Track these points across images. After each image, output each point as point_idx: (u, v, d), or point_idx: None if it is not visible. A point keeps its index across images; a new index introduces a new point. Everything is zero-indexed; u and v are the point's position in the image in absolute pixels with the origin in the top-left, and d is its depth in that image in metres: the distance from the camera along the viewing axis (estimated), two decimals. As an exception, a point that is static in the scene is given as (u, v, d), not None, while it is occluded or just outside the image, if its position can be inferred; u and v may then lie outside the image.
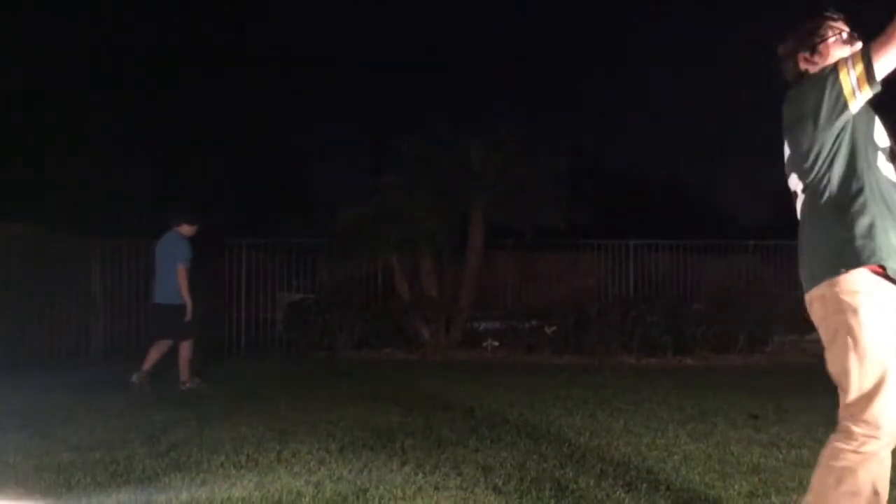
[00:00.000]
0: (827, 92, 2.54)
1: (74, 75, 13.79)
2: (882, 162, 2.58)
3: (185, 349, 7.88)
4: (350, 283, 12.40)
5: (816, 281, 2.59)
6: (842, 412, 2.52)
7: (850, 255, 2.50)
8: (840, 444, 2.49)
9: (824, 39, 2.68)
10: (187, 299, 7.82)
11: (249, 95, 15.62)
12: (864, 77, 2.48)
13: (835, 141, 2.57)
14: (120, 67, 14.59)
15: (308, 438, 5.12)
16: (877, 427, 2.43)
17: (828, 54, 2.67)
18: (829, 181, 2.59)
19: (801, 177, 2.68)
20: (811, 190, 2.65)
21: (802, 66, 2.71)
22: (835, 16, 2.71)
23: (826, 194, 2.59)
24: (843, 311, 2.49)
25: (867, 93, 2.51)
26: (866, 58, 2.48)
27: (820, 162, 2.60)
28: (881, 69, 2.47)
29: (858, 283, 2.48)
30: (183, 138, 14.55)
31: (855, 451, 2.45)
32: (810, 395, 6.33)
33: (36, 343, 10.41)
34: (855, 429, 2.46)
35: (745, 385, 7.95)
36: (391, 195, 11.76)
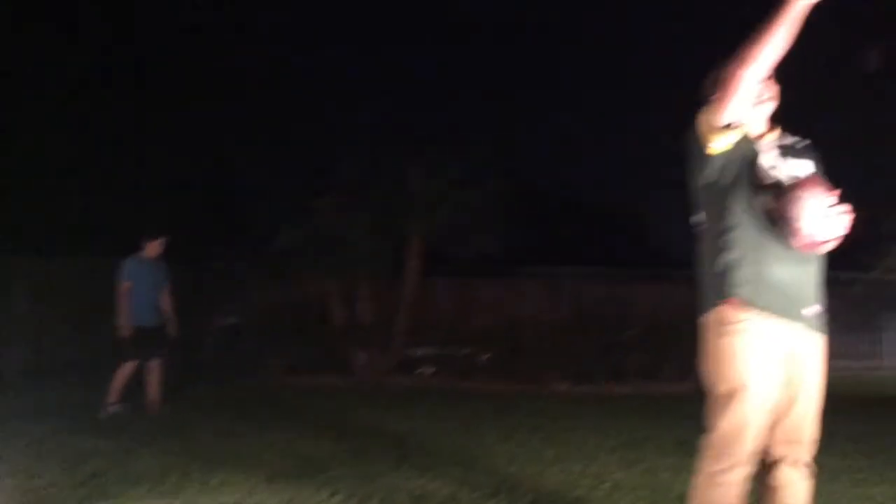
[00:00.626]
0: (695, 134, 2.74)
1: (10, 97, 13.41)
2: (758, 200, 2.67)
3: (121, 371, 7.67)
4: (284, 308, 12.21)
5: (704, 312, 2.79)
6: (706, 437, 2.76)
7: (717, 288, 2.69)
8: (702, 466, 2.74)
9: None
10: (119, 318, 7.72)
11: (183, 113, 15.36)
12: (707, 127, 2.69)
13: (709, 177, 2.74)
14: (45, 88, 14.23)
15: (235, 467, 5.00)
16: (723, 453, 2.69)
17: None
18: (705, 217, 2.79)
19: (695, 211, 2.89)
20: (697, 225, 2.86)
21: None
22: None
23: (704, 230, 2.80)
24: (715, 340, 2.71)
25: (717, 139, 2.67)
26: (711, 109, 2.68)
27: (698, 199, 2.81)
28: (721, 119, 2.64)
29: (726, 316, 2.66)
30: (114, 158, 14.21)
31: (708, 474, 2.72)
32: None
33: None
34: (710, 452, 2.74)
35: (675, 412, 8.06)
36: (328, 218, 11.66)
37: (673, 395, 10.18)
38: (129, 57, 15.39)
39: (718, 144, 2.68)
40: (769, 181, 2.68)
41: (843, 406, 8.44)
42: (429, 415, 7.64)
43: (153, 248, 7.94)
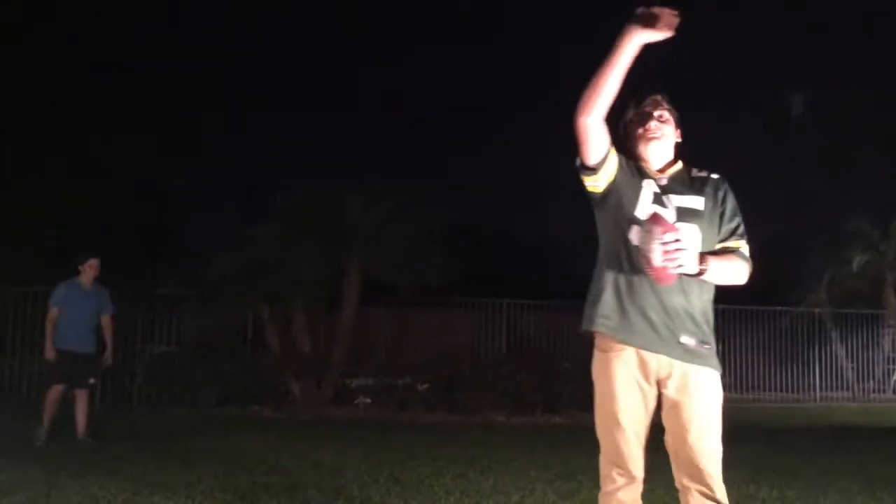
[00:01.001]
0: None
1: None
2: (634, 233, 2.74)
3: (48, 396, 7.44)
4: (217, 336, 11.95)
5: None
6: None
7: (588, 317, 2.85)
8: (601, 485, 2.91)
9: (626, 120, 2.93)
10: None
11: (119, 138, 15.07)
12: (578, 167, 2.78)
13: (596, 211, 2.87)
14: None
15: (165, 501, 4.85)
16: (604, 483, 2.92)
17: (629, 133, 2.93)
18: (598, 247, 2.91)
19: None
20: None
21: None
22: (648, 98, 2.90)
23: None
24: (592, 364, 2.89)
25: (587, 179, 2.79)
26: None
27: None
28: (580, 159, 2.75)
29: (596, 342, 2.86)
30: (44, 180, 13.84)
31: (603, 494, 2.90)
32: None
33: None
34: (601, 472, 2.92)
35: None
36: (264, 246, 11.50)
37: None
38: (60, 76, 15.05)
39: (589, 184, 2.79)
40: (642, 216, 2.75)
41: (773, 437, 8.66)
42: (365, 446, 7.54)
43: (86, 271, 7.73)
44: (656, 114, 2.85)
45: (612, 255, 2.78)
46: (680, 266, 2.58)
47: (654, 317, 2.70)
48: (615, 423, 2.78)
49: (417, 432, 9.04)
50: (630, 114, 2.90)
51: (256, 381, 11.26)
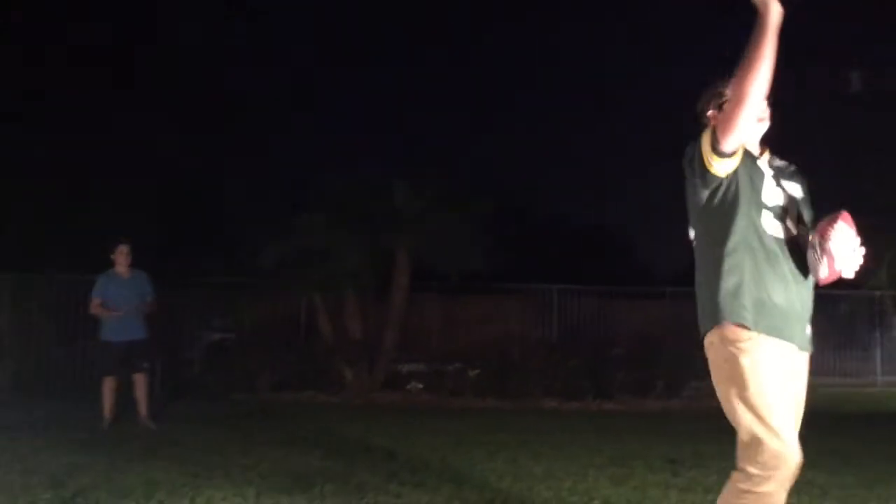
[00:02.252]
0: (695, 151, 2.71)
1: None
2: (768, 221, 2.68)
3: (104, 386, 7.64)
4: (272, 323, 12.16)
5: (705, 329, 2.75)
6: (739, 452, 2.63)
7: (721, 311, 2.65)
8: (739, 485, 2.60)
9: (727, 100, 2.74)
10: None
11: (169, 131, 15.35)
12: (709, 150, 2.65)
13: (710, 198, 2.72)
14: (31, 99, 14.18)
15: (224, 483, 4.97)
16: (768, 468, 2.54)
17: None
18: (707, 235, 2.76)
19: (692, 226, 2.87)
20: (696, 241, 2.85)
21: (711, 122, 2.78)
22: None
23: (705, 248, 2.77)
24: (727, 359, 2.64)
25: (720, 162, 2.65)
26: (713, 132, 2.64)
27: (698, 215, 2.79)
28: (726, 144, 2.60)
29: (736, 335, 2.62)
30: (99, 172, 14.16)
31: (750, 491, 2.56)
32: (727, 440, 6.42)
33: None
34: (750, 469, 2.57)
35: (663, 429, 8.08)
36: (315, 234, 11.64)
37: (661, 412, 10.20)
38: (113, 71, 15.33)
39: (722, 167, 2.66)
40: (774, 203, 2.69)
41: (833, 423, 8.49)
42: (417, 431, 7.62)
43: (118, 259, 7.82)
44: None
45: (742, 244, 2.65)
46: (852, 266, 2.61)
47: (787, 308, 2.65)
48: (778, 413, 2.58)
49: (468, 418, 9.09)
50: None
51: (310, 367, 11.42)
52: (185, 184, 16.07)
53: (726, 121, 2.58)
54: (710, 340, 2.71)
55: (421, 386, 11.51)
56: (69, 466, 5.46)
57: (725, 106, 2.63)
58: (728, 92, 2.64)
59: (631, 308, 13.25)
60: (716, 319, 2.66)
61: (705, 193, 2.72)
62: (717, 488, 4.65)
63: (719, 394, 2.70)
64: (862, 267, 2.64)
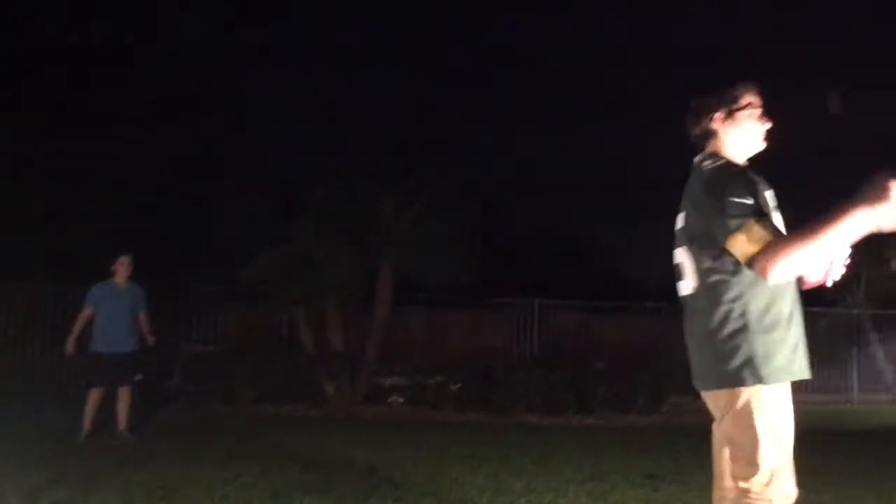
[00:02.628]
0: (722, 230, 2.46)
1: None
2: None
3: (89, 397, 7.59)
4: (253, 335, 12.09)
5: (718, 382, 2.61)
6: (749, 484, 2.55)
7: (739, 364, 2.53)
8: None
9: (742, 108, 2.68)
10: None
11: (154, 139, 15.31)
12: (742, 256, 2.42)
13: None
14: (16, 108, 14.11)
15: (202, 498, 4.92)
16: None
17: (740, 123, 2.68)
18: (712, 267, 2.55)
19: (700, 254, 2.60)
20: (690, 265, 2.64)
21: (714, 125, 2.69)
22: (754, 90, 2.72)
23: (712, 282, 2.56)
24: (742, 419, 2.57)
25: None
26: (752, 243, 2.38)
27: (706, 245, 2.56)
28: (768, 276, 2.37)
29: (757, 399, 2.55)
30: (82, 183, 14.09)
31: None
32: (706, 456, 6.47)
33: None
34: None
35: (644, 444, 8.10)
36: (298, 245, 11.61)
37: (642, 427, 10.22)
38: (100, 80, 15.30)
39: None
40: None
41: (811, 440, 8.53)
42: (399, 445, 7.59)
43: (118, 270, 7.82)
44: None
45: (752, 281, 2.50)
46: (838, 276, 2.67)
47: (798, 343, 2.61)
48: (787, 454, 2.57)
49: (450, 432, 9.06)
50: (747, 101, 2.68)
51: (292, 380, 11.36)
52: (166, 190, 16.02)
53: (778, 257, 2.34)
54: (730, 398, 2.59)
55: (402, 400, 11.47)
56: (45, 480, 5.39)
57: (785, 245, 2.34)
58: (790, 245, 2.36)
59: (613, 322, 13.29)
60: (732, 376, 2.54)
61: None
62: None
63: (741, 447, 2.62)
64: (842, 276, 2.65)
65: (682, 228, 2.67)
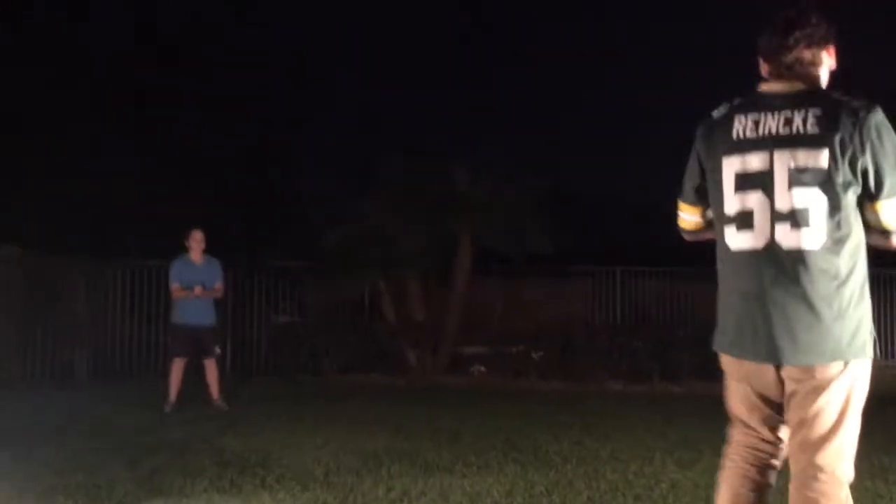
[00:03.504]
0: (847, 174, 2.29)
1: (53, 96, 13.76)
2: None
3: (172, 368, 7.88)
4: (337, 307, 12.35)
5: (834, 358, 2.43)
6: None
7: (861, 340, 2.40)
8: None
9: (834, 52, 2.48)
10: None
11: (234, 118, 15.64)
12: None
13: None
14: (99, 88, 14.58)
15: (292, 463, 5.08)
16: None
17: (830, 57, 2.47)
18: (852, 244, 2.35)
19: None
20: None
21: (830, 58, 2.45)
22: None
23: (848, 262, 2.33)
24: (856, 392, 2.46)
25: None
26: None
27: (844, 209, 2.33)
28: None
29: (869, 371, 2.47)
30: (167, 161, 14.53)
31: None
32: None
33: (21, 365, 10.32)
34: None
35: (732, 412, 7.93)
36: (377, 217, 11.74)
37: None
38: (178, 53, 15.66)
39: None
40: None
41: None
42: (481, 413, 7.65)
43: (192, 246, 8.04)
44: None
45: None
46: None
47: None
48: None
49: (532, 400, 9.09)
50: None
51: (375, 350, 11.57)
52: (249, 168, 16.39)
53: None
54: (845, 374, 2.43)
55: (484, 369, 11.54)
56: (145, 447, 5.65)
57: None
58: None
59: (698, 289, 12.99)
60: (854, 352, 2.39)
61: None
62: (785, 471, 4.58)
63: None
64: None
65: (827, 171, 2.28)
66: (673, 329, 12.09)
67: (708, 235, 2.69)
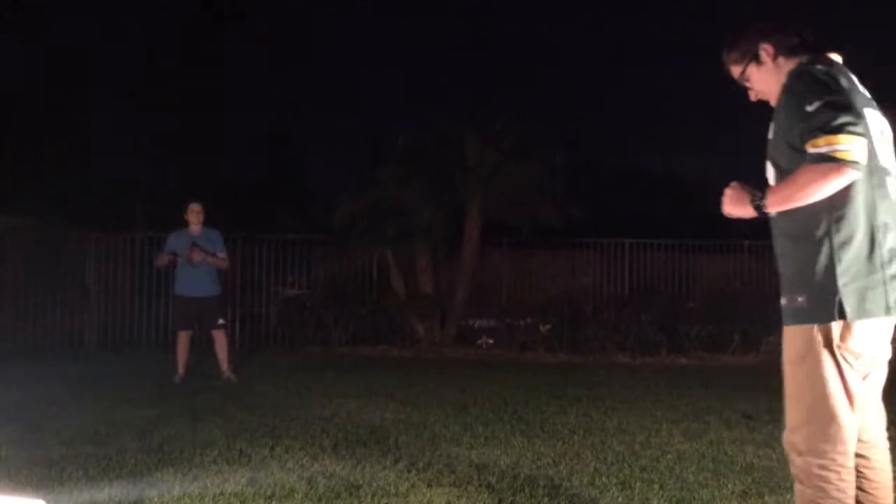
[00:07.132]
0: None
1: (68, 71, 13.75)
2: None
3: (178, 340, 7.92)
4: (345, 279, 12.37)
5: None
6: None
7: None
8: None
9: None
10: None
11: (243, 89, 15.59)
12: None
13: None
14: (113, 61, 14.56)
15: (301, 434, 5.11)
16: None
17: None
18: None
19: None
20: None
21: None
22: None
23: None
24: None
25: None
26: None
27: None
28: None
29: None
30: (178, 132, 14.52)
31: None
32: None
33: (30, 334, 10.41)
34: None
35: (739, 384, 7.95)
36: (386, 189, 11.72)
37: (737, 367, 10.02)
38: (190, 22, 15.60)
39: None
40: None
41: None
42: (489, 385, 7.67)
43: (190, 217, 7.97)
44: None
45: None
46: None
47: None
48: None
49: (540, 372, 9.11)
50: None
51: (383, 322, 11.60)
52: (257, 140, 16.38)
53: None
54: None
55: (492, 341, 11.56)
56: (154, 417, 5.69)
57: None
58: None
59: (706, 261, 12.95)
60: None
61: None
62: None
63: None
64: None
65: None
66: (681, 301, 12.07)
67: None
